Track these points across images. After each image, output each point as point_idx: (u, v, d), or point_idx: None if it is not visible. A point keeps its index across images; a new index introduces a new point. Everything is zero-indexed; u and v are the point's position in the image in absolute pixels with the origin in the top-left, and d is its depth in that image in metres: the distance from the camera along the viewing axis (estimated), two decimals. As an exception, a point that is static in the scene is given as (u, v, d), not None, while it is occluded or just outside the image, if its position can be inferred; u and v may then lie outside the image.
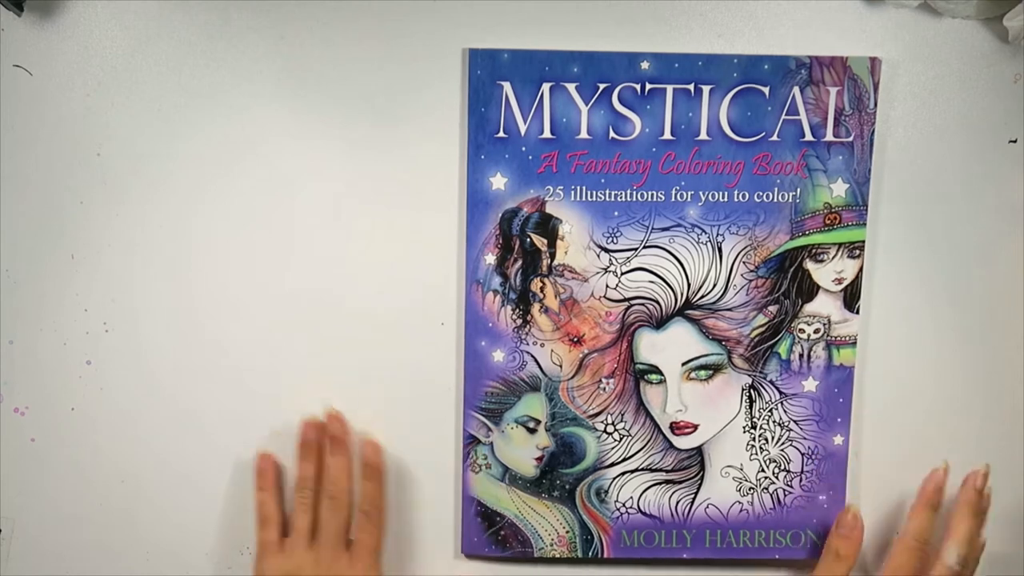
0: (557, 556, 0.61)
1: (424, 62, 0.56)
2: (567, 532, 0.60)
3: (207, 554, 0.61)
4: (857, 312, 0.59)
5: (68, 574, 0.61)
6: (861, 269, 0.58)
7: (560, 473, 0.60)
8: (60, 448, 0.60)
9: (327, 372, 0.59)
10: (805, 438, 0.60)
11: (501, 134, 0.56)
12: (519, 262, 0.57)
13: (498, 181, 0.56)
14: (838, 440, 0.60)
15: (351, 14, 0.56)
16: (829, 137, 0.57)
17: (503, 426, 0.59)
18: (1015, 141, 0.58)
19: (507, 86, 0.55)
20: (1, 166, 0.57)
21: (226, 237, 0.58)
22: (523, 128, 0.56)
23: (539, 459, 0.60)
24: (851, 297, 0.58)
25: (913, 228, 0.59)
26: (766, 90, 0.56)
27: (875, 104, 0.56)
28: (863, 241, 0.58)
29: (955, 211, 0.59)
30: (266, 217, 0.58)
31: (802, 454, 0.60)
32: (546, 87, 0.55)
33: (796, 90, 0.56)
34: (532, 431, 0.59)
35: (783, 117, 0.56)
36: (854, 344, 0.59)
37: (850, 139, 0.57)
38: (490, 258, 0.57)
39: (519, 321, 0.58)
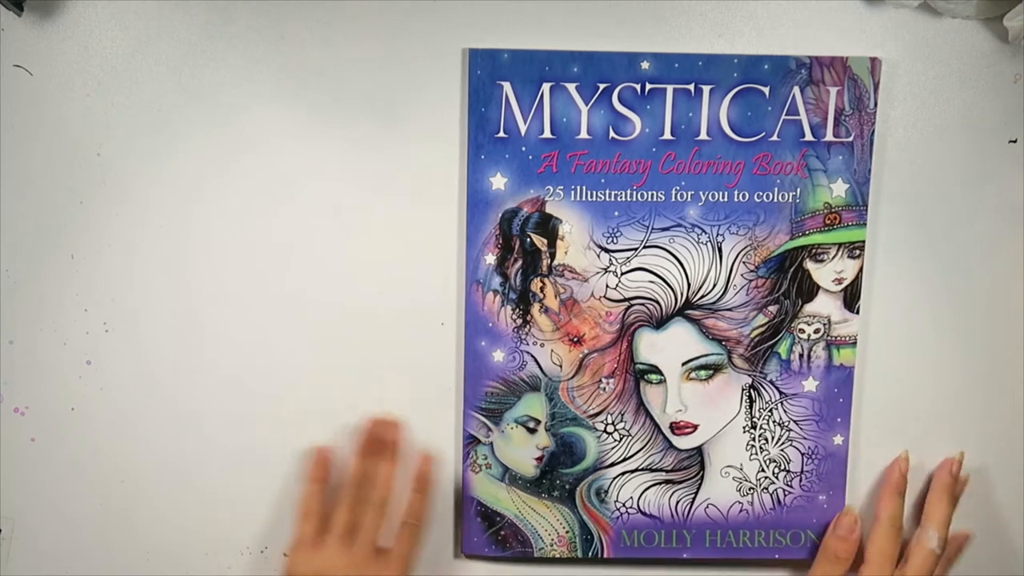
0: (557, 556, 0.61)
1: (424, 62, 0.56)
2: (567, 532, 0.60)
3: (207, 554, 0.61)
4: (857, 312, 0.58)
5: (68, 574, 0.61)
6: (861, 269, 0.58)
7: (560, 473, 0.60)
8: (60, 448, 0.60)
9: (327, 372, 0.59)
10: (805, 438, 0.60)
11: (501, 134, 0.56)
12: (519, 262, 0.57)
13: (498, 181, 0.56)
14: (838, 440, 0.60)
15: (351, 14, 0.56)
16: (829, 137, 0.56)
17: (503, 426, 0.59)
18: (1015, 141, 0.58)
19: (507, 86, 0.55)
20: (1, 166, 0.57)
21: (226, 237, 0.58)
22: (523, 128, 0.56)
23: (539, 459, 0.60)
24: (851, 297, 0.58)
25: (913, 228, 0.59)
26: (766, 90, 0.56)
27: (875, 104, 0.56)
28: (863, 241, 0.58)
29: (955, 211, 0.59)
30: (266, 217, 0.58)
31: (802, 454, 0.60)
32: (546, 87, 0.55)
33: (796, 90, 0.56)
34: (532, 431, 0.59)
35: (783, 117, 0.56)
36: (854, 344, 0.59)
37: (850, 139, 0.56)
38: (490, 258, 0.57)
39: (519, 321, 0.58)
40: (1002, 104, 0.58)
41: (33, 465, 0.60)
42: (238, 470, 0.60)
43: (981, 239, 0.59)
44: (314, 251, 0.58)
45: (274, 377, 0.59)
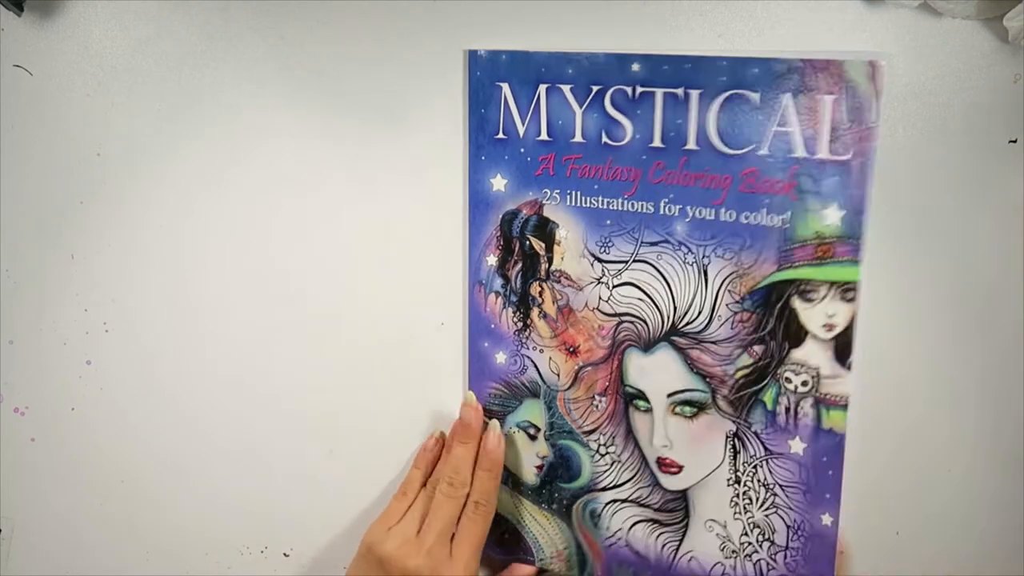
0: (555, 571, 0.59)
1: (426, 62, 0.56)
2: (565, 547, 0.59)
3: (207, 554, 0.61)
4: (850, 368, 0.50)
5: (68, 574, 0.61)
6: (855, 316, 0.50)
7: (558, 486, 0.58)
8: (60, 448, 0.60)
9: (328, 372, 0.59)
10: (791, 508, 0.53)
11: (501, 135, 0.55)
12: (519, 264, 0.56)
13: (498, 182, 0.56)
14: (826, 520, 0.52)
15: (351, 14, 0.56)
16: (823, 154, 0.48)
17: (506, 429, 0.59)
18: (1015, 141, 0.58)
19: (506, 87, 0.54)
20: (1, 166, 0.57)
21: (226, 237, 0.58)
22: (521, 130, 0.55)
23: (539, 468, 0.58)
24: (843, 349, 0.50)
25: (911, 228, 0.59)
26: (756, 97, 0.49)
27: (876, 116, 0.48)
28: (856, 282, 0.49)
29: (954, 212, 0.59)
30: (266, 217, 0.58)
31: (788, 526, 0.53)
32: (542, 89, 0.54)
33: (788, 98, 0.49)
34: (533, 438, 0.58)
35: (773, 128, 0.49)
36: (845, 407, 0.51)
37: (847, 158, 0.48)
38: (492, 259, 0.57)
39: (520, 324, 0.57)
40: (1002, 104, 0.58)
41: (33, 465, 0.60)
42: (238, 470, 0.60)
43: (981, 240, 0.59)
44: (315, 251, 0.58)
45: (274, 377, 0.59)
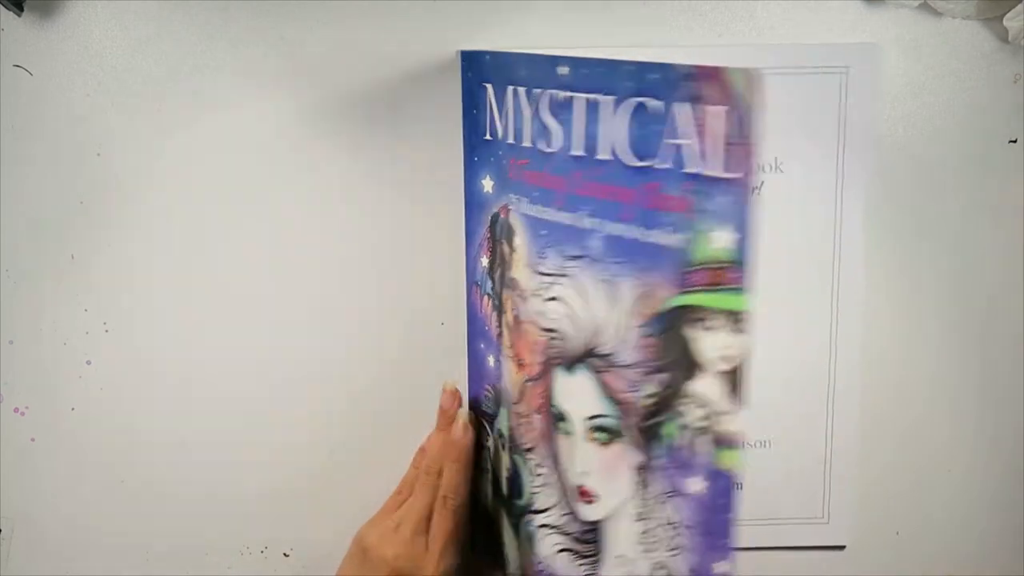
0: None
1: (426, 63, 0.56)
2: (524, 563, 0.57)
3: (207, 554, 0.61)
4: (742, 405, 0.45)
5: (68, 574, 0.61)
6: (747, 350, 0.44)
7: (515, 503, 0.56)
8: (60, 448, 0.60)
9: (329, 371, 0.59)
10: (691, 551, 0.48)
11: (488, 136, 0.54)
12: (500, 268, 0.54)
13: (487, 184, 0.54)
14: (720, 569, 0.47)
15: (351, 14, 0.56)
16: (714, 170, 0.43)
17: (494, 433, 0.58)
18: (1015, 141, 0.58)
19: (490, 88, 0.53)
20: (1, 166, 0.57)
21: (226, 236, 0.58)
22: (500, 131, 0.52)
23: (509, 479, 0.56)
24: (737, 384, 0.45)
25: (911, 228, 0.59)
26: (658, 105, 0.44)
27: (756, 133, 0.41)
28: (745, 312, 0.44)
29: (954, 211, 0.59)
30: (266, 217, 0.58)
31: (690, 570, 0.48)
32: (510, 90, 0.51)
33: (685, 107, 0.43)
34: (503, 448, 0.56)
35: (671, 140, 0.44)
36: (738, 447, 0.46)
37: (736, 176, 0.42)
38: (484, 261, 0.56)
39: (499, 329, 0.55)
40: (1002, 104, 0.58)
41: (33, 465, 0.60)
42: (238, 470, 0.60)
43: (980, 239, 0.59)
44: (315, 250, 0.58)
45: (274, 377, 0.59)
